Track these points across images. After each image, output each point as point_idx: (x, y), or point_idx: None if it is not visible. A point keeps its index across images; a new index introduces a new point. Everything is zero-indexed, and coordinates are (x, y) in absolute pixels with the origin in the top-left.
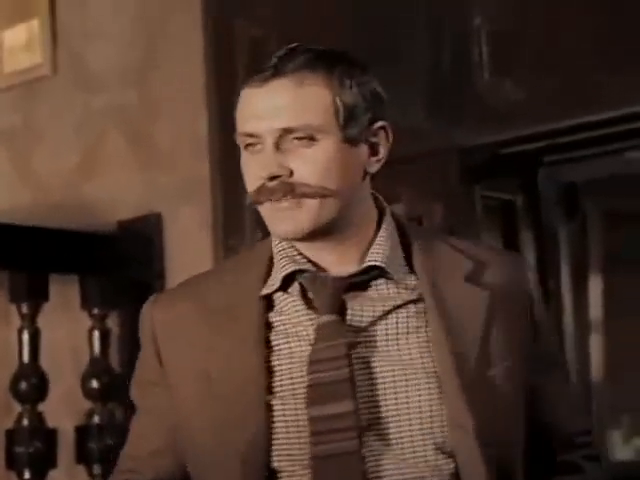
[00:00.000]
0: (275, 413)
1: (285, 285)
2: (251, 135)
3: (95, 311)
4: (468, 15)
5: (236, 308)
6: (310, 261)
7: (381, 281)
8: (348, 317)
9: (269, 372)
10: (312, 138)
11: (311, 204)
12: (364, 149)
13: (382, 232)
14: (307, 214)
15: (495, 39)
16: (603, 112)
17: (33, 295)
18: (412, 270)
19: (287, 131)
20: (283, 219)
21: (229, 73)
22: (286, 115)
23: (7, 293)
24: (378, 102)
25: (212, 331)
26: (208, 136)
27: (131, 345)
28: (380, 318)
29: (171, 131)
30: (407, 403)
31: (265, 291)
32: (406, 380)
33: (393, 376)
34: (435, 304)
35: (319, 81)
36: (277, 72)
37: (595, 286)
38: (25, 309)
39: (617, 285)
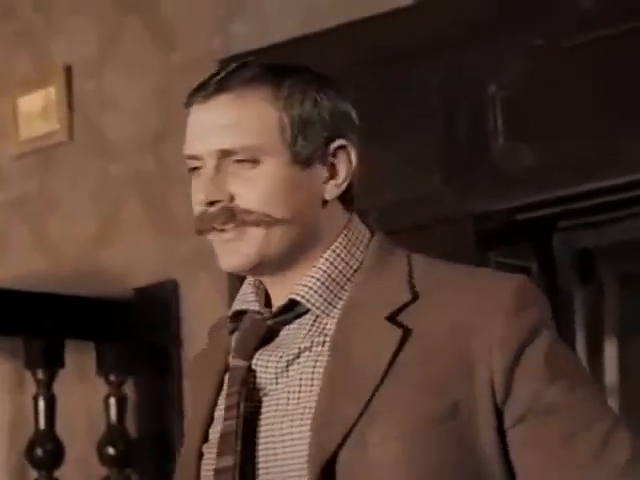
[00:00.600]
0: (203, 462)
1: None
2: (194, 157)
3: (112, 377)
4: (483, 82)
5: (217, 351)
6: (263, 299)
7: (305, 318)
8: (254, 361)
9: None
10: (255, 160)
11: (255, 233)
12: (321, 172)
13: (321, 262)
14: (251, 245)
15: (509, 105)
16: (618, 177)
17: (49, 362)
18: None
19: (226, 153)
20: (226, 251)
21: None
22: (225, 136)
23: (22, 359)
24: (339, 120)
25: (200, 377)
26: None
27: (148, 411)
28: (288, 363)
29: (187, 198)
30: (282, 466)
31: (223, 331)
32: (291, 434)
33: (282, 429)
34: (332, 347)
35: (265, 96)
36: (221, 86)
37: (610, 351)
38: (41, 375)
39: (633, 351)
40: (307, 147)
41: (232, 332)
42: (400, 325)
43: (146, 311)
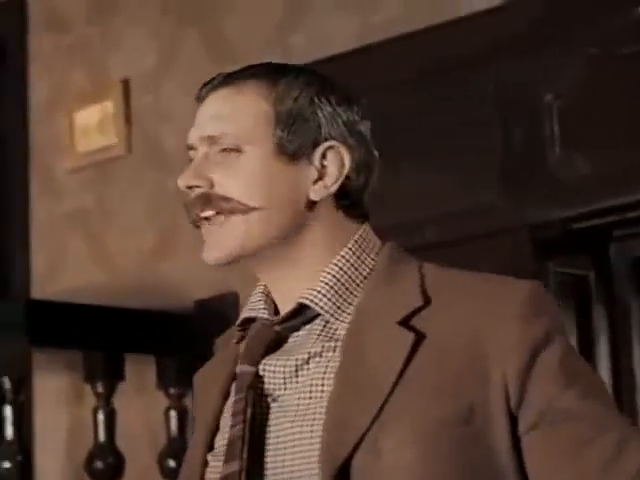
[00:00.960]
0: (208, 470)
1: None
2: (190, 147)
3: (172, 390)
4: (539, 91)
5: (226, 358)
6: (272, 307)
7: (316, 323)
8: (260, 366)
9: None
10: (238, 149)
11: (234, 222)
12: (308, 171)
13: (331, 267)
14: (231, 234)
15: (565, 114)
16: None
17: (109, 375)
18: None
19: (212, 140)
20: (210, 244)
21: None
22: (213, 124)
23: (81, 372)
24: (337, 124)
25: (205, 387)
26: None
27: None
28: (297, 368)
29: None
30: (291, 472)
31: (233, 340)
32: (301, 439)
33: (293, 434)
34: (343, 352)
35: (259, 90)
36: (224, 81)
37: None
38: (100, 389)
39: None
40: (293, 142)
41: (240, 340)
42: (413, 329)
43: (206, 323)
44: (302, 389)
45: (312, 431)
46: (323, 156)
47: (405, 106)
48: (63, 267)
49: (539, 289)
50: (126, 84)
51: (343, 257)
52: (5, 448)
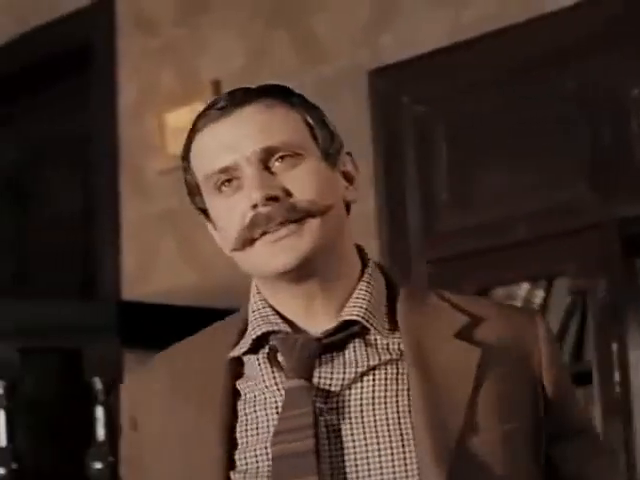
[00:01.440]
0: None
1: (257, 348)
2: (226, 170)
3: None
4: (625, 86)
5: (204, 372)
6: (286, 320)
7: (359, 339)
8: (316, 381)
9: (233, 444)
10: (297, 155)
11: (314, 224)
12: (340, 176)
13: (363, 284)
14: (310, 236)
15: None
16: None
17: None
18: (397, 327)
19: (268, 152)
20: (283, 249)
21: (396, 151)
22: (264, 135)
23: None
24: (337, 134)
25: (176, 396)
26: (376, 216)
27: None
28: (354, 381)
29: None
30: (381, 475)
31: (233, 354)
32: (379, 450)
33: (365, 445)
34: (416, 364)
35: (283, 105)
36: (235, 104)
37: None
38: None
39: None
40: (333, 147)
41: (244, 354)
42: (476, 343)
43: None
44: (364, 397)
45: (391, 443)
46: (344, 163)
47: (493, 105)
48: (153, 268)
49: (541, 314)
50: (216, 85)
51: (370, 275)
52: (96, 449)
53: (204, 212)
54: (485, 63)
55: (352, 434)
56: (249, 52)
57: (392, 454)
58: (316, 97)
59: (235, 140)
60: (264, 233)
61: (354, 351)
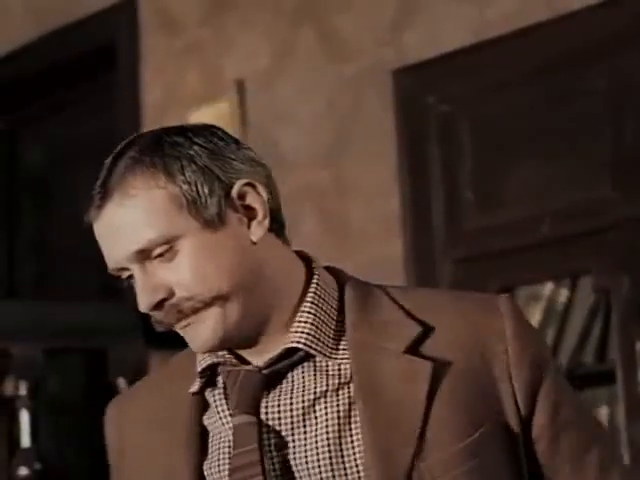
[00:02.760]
0: None
1: (212, 381)
2: (119, 270)
3: None
4: None
5: (174, 407)
6: (233, 351)
7: (307, 363)
8: (264, 417)
9: None
10: (170, 249)
11: (210, 313)
12: (237, 221)
13: (306, 305)
14: (213, 322)
15: None
16: None
17: None
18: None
19: (140, 254)
20: (191, 338)
21: (421, 152)
22: (130, 239)
23: None
24: (228, 164)
25: (151, 430)
26: (400, 215)
27: None
28: (306, 412)
29: (363, 211)
30: None
31: (192, 389)
32: None
33: (323, 478)
34: (361, 389)
35: (145, 181)
36: (105, 194)
37: None
38: None
39: None
40: (211, 207)
41: (201, 390)
42: (425, 357)
43: None
44: (318, 432)
45: (346, 475)
46: (240, 198)
47: (518, 104)
48: None
49: (512, 302)
50: (241, 84)
51: (315, 294)
52: None
53: None
54: (509, 62)
55: (307, 468)
56: (273, 51)
57: None
58: (340, 96)
59: (111, 246)
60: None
61: (302, 377)
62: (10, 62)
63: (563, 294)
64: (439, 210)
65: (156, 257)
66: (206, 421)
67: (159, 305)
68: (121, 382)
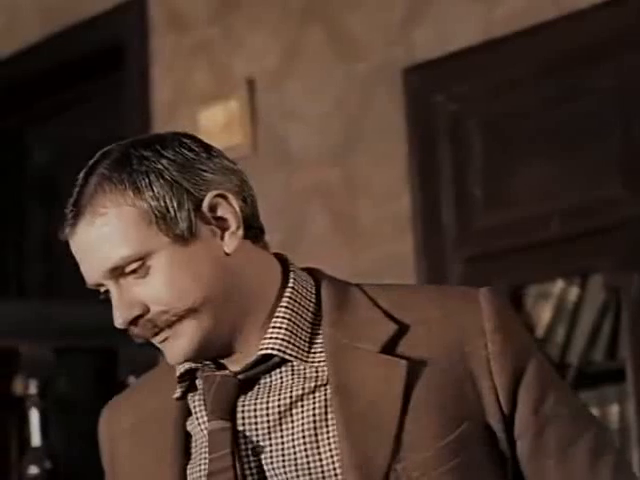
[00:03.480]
0: None
1: (194, 385)
2: (96, 286)
3: None
4: None
5: (159, 413)
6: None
7: (281, 369)
8: (239, 421)
9: None
10: (142, 264)
11: (185, 327)
12: (209, 232)
13: (280, 309)
14: (187, 336)
15: None
16: None
17: None
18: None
19: (114, 271)
20: (167, 351)
21: (430, 150)
22: (101, 258)
23: None
24: (197, 175)
25: (139, 436)
26: (411, 213)
27: None
28: (282, 416)
29: (373, 208)
30: None
31: (175, 395)
32: None
33: None
34: (337, 391)
35: (113, 198)
36: (77, 213)
37: None
38: None
39: None
40: (181, 221)
41: (182, 396)
42: (401, 356)
43: None
44: (294, 436)
45: (324, 477)
46: (211, 210)
47: (527, 102)
48: None
49: (493, 295)
50: (251, 83)
51: (289, 297)
52: None
53: None
54: (518, 60)
55: (285, 472)
56: (282, 50)
57: None
58: (350, 95)
59: (86, 264)
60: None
61: (279, 381)
62: (19, 61)
63: (573, 292)
64: (449, 209)
65: (130, 273)
66: (189, 426)
67: (134, 321)
68: (131, 381)
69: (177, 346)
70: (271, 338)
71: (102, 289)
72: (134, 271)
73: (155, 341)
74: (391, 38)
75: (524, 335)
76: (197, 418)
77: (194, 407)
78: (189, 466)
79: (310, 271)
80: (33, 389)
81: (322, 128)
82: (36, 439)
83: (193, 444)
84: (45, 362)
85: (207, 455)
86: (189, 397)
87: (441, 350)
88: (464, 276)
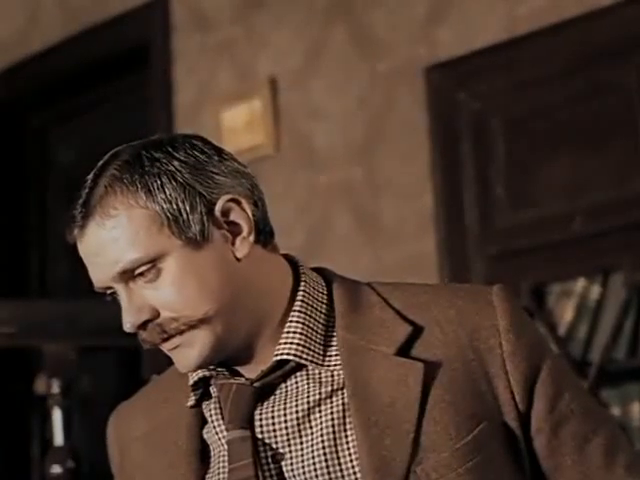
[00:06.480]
0: None
1: (208, 392)
2: (104, 289)
3: None
4: None
5: (174, 421)
6: (224, 362)
7: (298, 374)
8: (257, 429)
9: None
10: (153, 266)
11: (196, 334)
12: (221, 237)
13: (294, 314)
14: (200, 344)
15: None
16: None
17: None
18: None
19: (124, 274)
20: (178, 359)
21: (453, 149)
22: (112, 260)
23: None
24: (207, 178)
25: (152, 443)
26: (434, 212)
27: None
28: (299, 421)
29: (396, 207)
30: None
31: (189, 404)
32: None
33: None
34: (354, 395)
35: (124, 201)
36: (86, 214)
37: None
38: None
39: None
40: (194, 224)
41: (197, 403)
42: (417, 359)
43: None
44: (314, 442)
45: None
46: (224, 215)
47: (550, 100)
48: None
49: (505, 293)
50: (273, 82)
51: (302, 301)
52: None
53: None
54: (541, 58)
55: (305, 479)
56: (306, 49)
57: None
58: (373, 94)
59: (95, 265)
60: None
61: (295, 387)
62: (43, 61)
63: (595, 290)
64: (472, 207)
65: (139, 276)
66: (205, 435)
67: (144, 325)
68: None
69: (188, 355)
70: (286, 343)
71: (110, 291)
72: (144, 274)
73: (165, 348)
74: (414, 37)
75: (537, 333)
76: (214, 427)
77: (210, 415)
78: (208, 476)
79: (320, 271)
80: (56, 388)
81: (345, 127)
82: (59, 438)
83: (212, 453)
84: (68, 361)
85: (225, 465)
86: (204, 405)
87: (456, 350)
88: (487, 274)
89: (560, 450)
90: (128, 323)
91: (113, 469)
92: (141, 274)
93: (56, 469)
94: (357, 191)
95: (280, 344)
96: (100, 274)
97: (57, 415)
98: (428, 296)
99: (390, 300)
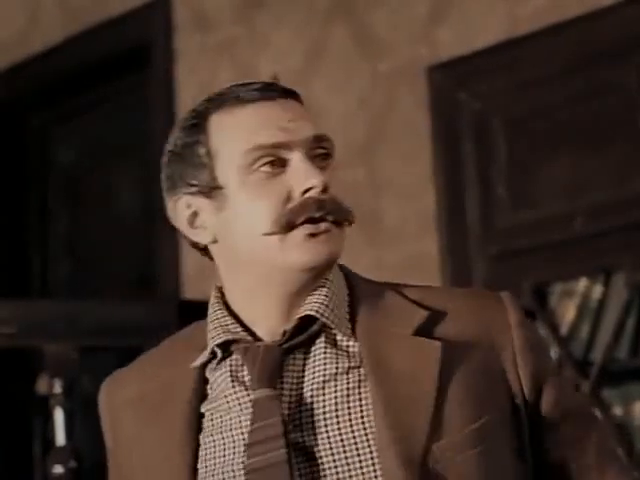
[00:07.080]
0: None
1: (218, 362)
2: (278, 146)
3: None
4: None
5: (170, 388)
6: (246, 328)
7: (321, 341)
8: (284, 390)
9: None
10: (330, 155)
11: (342, 233)
12: None
13: (322, 288)
14: (340, 241)
15: None
16: None
17: None
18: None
19: (318, 140)
20: (318, 244)
21: (455, 149)
22: (313, 125)
23: None
24: None
25: (145, 409)
26: (435, 212)
27: None
28: (319, 389)
29: (397, 207)
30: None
31: (195, 363)
32: (347, 464)
33: (334, 460)
34: (373, 371)
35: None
36: (278, 93)
37: None
38: None
39: None
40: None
41: (206, 364)
42: (436, 338)
43: None
44: (326, 409)
45: (359, 455)
46: None
47: (551, 100)
48: (213, 267)
49: (513, 297)
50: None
51: (328, 279)
52: None
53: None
54: (543, 58)
55: (320, 447)
56: (307, 49)
57: (361, 467)
58: (374, 94)
59: (289, 123)
60: (307, 221)
61: (317, 355)
62: (43, 61)
63: (597, 290)
64: (473, 207)
65: (317, 155)
66: (206, 407)
67: (325, 190)
68: None
69: (335, 244)
70: (311, 303)
71: (271, 158)
72: (320, 155)
73: (319, 226)
74: (415, 37)
75: (540, 334)
76: (225, 396)
77: (219, 386)
78: (201, 449)
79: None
80: (58, 388)
81: (346, 127)
82: (61, 438)
83: (208, 426)
84: (70, 361)
85: (237, 433)
86: (207, 370)
87: (471, 338)
88: (488, 274)
89: (563, 444)
90: (320, 178)
91: (105, 434)
92: (320, 154)
93: (58, 469)
94: (358, 191)
95: (309, 302)
96: (297, 132)
97: (59, 415)
98: (442, 293)
99: (405, 293)
